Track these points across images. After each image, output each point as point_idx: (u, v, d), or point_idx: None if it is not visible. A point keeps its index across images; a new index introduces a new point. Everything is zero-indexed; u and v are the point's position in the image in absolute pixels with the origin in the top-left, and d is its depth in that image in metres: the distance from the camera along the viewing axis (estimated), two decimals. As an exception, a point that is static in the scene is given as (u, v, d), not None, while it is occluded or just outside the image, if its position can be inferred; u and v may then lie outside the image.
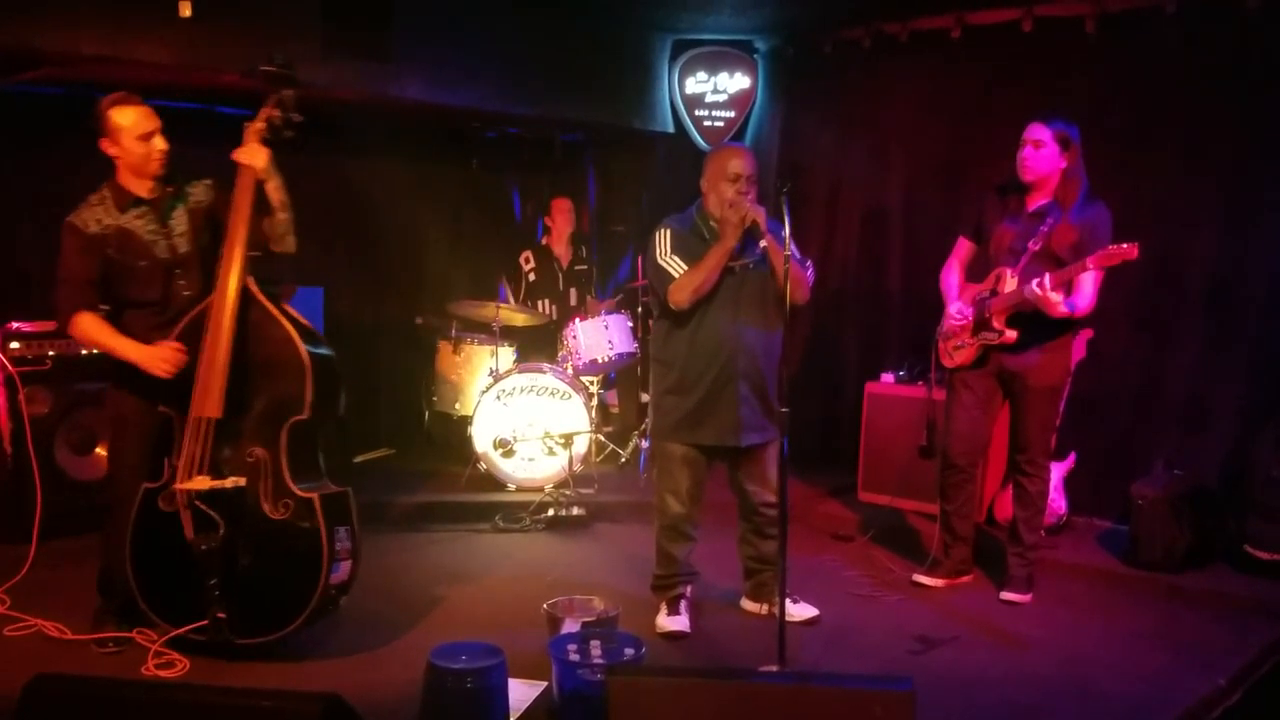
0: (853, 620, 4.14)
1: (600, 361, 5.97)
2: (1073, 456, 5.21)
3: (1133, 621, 4.20)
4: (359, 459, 6.46)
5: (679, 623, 3.95)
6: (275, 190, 3.59)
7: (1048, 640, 3.97)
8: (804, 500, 5.61)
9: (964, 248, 4.46)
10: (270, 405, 3.53)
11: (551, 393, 5.71)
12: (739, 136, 6.78)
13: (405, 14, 5.36)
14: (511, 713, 3.17)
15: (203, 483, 3.44)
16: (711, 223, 3.88)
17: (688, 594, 4.07)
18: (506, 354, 6.13)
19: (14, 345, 4.70)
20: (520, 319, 6.16)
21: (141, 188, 3.60)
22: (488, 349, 6.14)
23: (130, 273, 3.57)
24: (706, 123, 6.80)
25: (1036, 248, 4.09)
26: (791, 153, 6.64)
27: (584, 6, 6.13)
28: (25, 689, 2.48)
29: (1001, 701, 3.45)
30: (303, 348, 3.51)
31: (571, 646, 3.24)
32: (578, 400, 5.70)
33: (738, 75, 6.71)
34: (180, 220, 3.66)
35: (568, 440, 5.62)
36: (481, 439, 5.71)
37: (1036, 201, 4.17)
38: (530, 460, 5.73)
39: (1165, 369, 5.21)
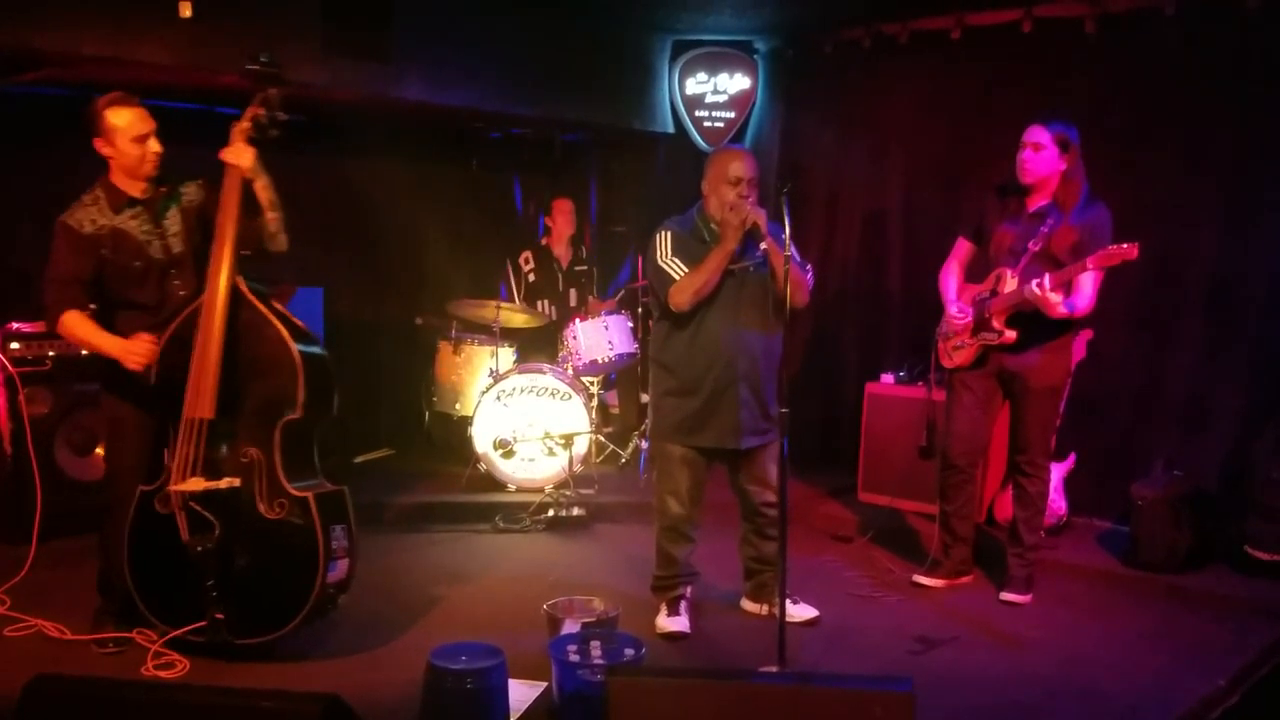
0: (853, 621, 4.14)
1: (600, 362, 5.97)
2: (1073, 457, 5.21)
3: (1132, 622, 4.20)
4: (359, 459, 6.46)
5: (679, 623, 3.96)
6: (263, 189, 3.59)
7: (1047, 641, 3.97)
8: (804, 501, 5.61)
9: (963, 248, 4.47)
10: (263, 405, 3.53)
11: (551, 393, 5.71)
12: (739, 137, 6.78)
13: (405, 14, 5.36)
14: (511, 713, 3.17)
15: (197, 484, 3.44)
16: (712, 225, 3.88)
17: (688, 595, 4.08)
18: (506, 354, 6.13)
19: (14, 345, 4.71)
20: (520, 319, 6.16)
21: (135, 188, 3.60)
22: (488, 349, 6.14)
23: (125, 273, 3.57)
24: (707, 123, 6.80)
25: (1036, 249, 4.09)
26: (791, 153, 6.64)
27: (584, 7, 6.13)
28: (25, 689, 2.48)
29: (1001, 702, 3.45)
30: (294, 347, 3.51)
31: (571, 647, 3.24)
32: (578, 401, 5.71)
33: (738, 76, 6.71)
34: (174, 220, 3.66)
35: (568, 441, 5.62)
36: (481, 439, 5.71)
37: (1036, 203, 4.17)
38: (530, 461, 5.73)
39: (1165, 369, 5.21)
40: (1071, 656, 3.82)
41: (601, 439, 6.28)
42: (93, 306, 3.59)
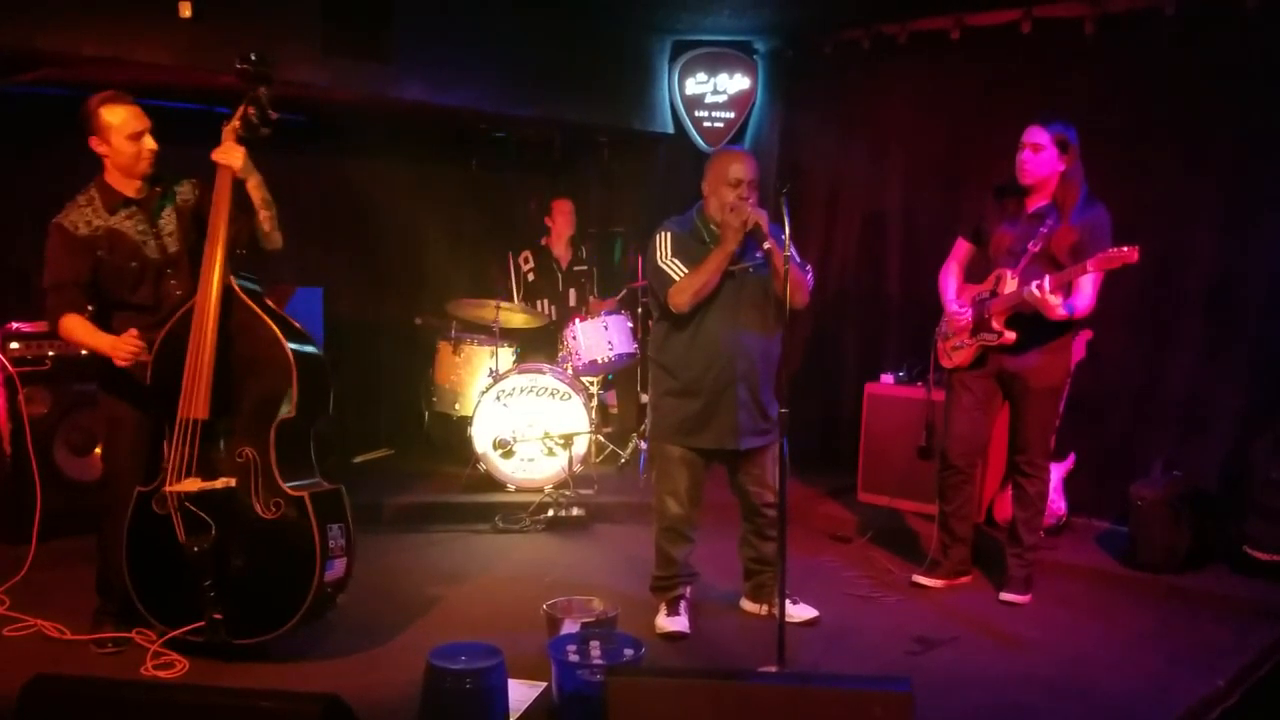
0: (852, 621, 4.14)
1: (600, 362, 5.97)
2: (1072, 457, 5.21)
3: (1132, 622, 4.20)
4: (359, 459, 6.46)
5: (678, 623, 3.96)
6: (255, 188, 3.59)
7: (1047, 641, 3.97)
8: (803, 501, 5.61)
9: (963, 249, 4.47)
10: (257, 405, 3.53)
11: (551, 393, 5.71)
12: (739, 137, 6.78)
13: (405, 14, 5.36)
14: (511, 713, 3.17)
15: (193, 484, 3.44)
16: (712, 226, 3.88)
17: (687, 595, 4.08)
18: (506, 354, 6.13)
19: (14, 345, 4.71)
20: (520, 319, 6.16)
21: (130, 187, 3.60)
22: (487, 349, 6.14)
23: (121, 274, 3.57)
24: (706, 123, 6.80)
25: (1036, 249, 4.09)
26: (791, 153, 6.64)
27: (584, 7, 6.13)
28: (25, 689, 2.48)
29: (1000, 702, 3.45)
30: (287, 346, 3.51)
31: (571, 647, 3.24)
32: (577, 401, 5.71)
33: (738, 76, 6.71)
34: (169, 220, 3.66)
35: (567, 441, 5.62)
36: (481, 439, 5.71)
37: (1035, 203, 4.17)
38: (530, 461, 5.73)
39: (1165, 369, 5.21)
40: (1071, 657, 3.82)
41: (601, 439, 6.28)
42: (90, 308, 3.58)
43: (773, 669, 3.38)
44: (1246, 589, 4.42)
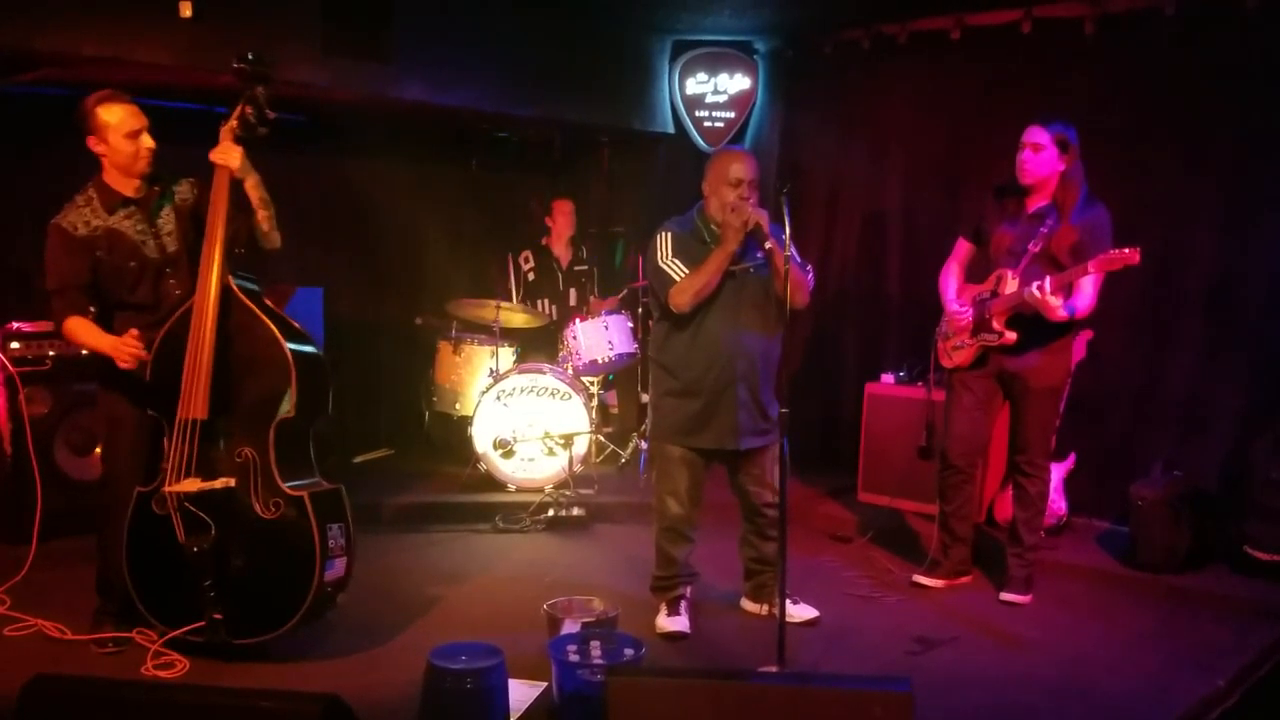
0: (852, 621, 4.14)
1: (600, 362, 5.97)
2: (1072, 457, 5.21)
3: (1132, 622, 4.20)
4: (359, 459, 6.46)
5: (679, 623, 3.96)
6: (254, 188, 3.59)
7: (1047, 641, 3.98)
8: (804, 501, 5.62)
9: (963, 249, 4.47)
10: (256, 405, 3.53)
11: (551, 393, 5.71)
12: (739, 137, 6.79)
13: (405, 14, 5.36)
14: (511, 713, 3.17)
15: (192, 485, 3.44)
16: (713, 226, 3.88)
17: (687, 595, 4.08)
18: (506, 354, 6.13)
19: (14, 345, 4.70)
20: (520, 319, 6.17)
21: (128, 187, 3.59)
22: (488, 349, 6.14)
23: (121, 274, 3.57)
24: (707, 123, 6.80)
25: (1036, 249, 4.09)
26: (791, 153, 6.64)
27: (584, 7, 6.13)
28: (25, 689, 2.48)
29: (1001, 702, 3.45)
30: (286, 346, 3.51)
31: (571, 647, 3.24)
32: (578, 401, 5.71)
33: (738, 76, 6.71)
34: (168, 219, 3.66)
35: (568, 441, 5.62)
36: (481, 439, 5.71)
37: (1036, 204, 4.17)
38: (530, 461, 5.74)
39: (1165, 370, 5.21)
40: (1071, 657, 3.82)
41: (601, 439, 6.28)
42: (93, 309, 3.58)
43: (773, 669, 3.39)
44: (1246, 589, 4.42)
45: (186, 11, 4.49)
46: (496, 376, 5.82)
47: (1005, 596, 4.37)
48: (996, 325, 4.19)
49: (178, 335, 3.50)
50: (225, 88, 3.63)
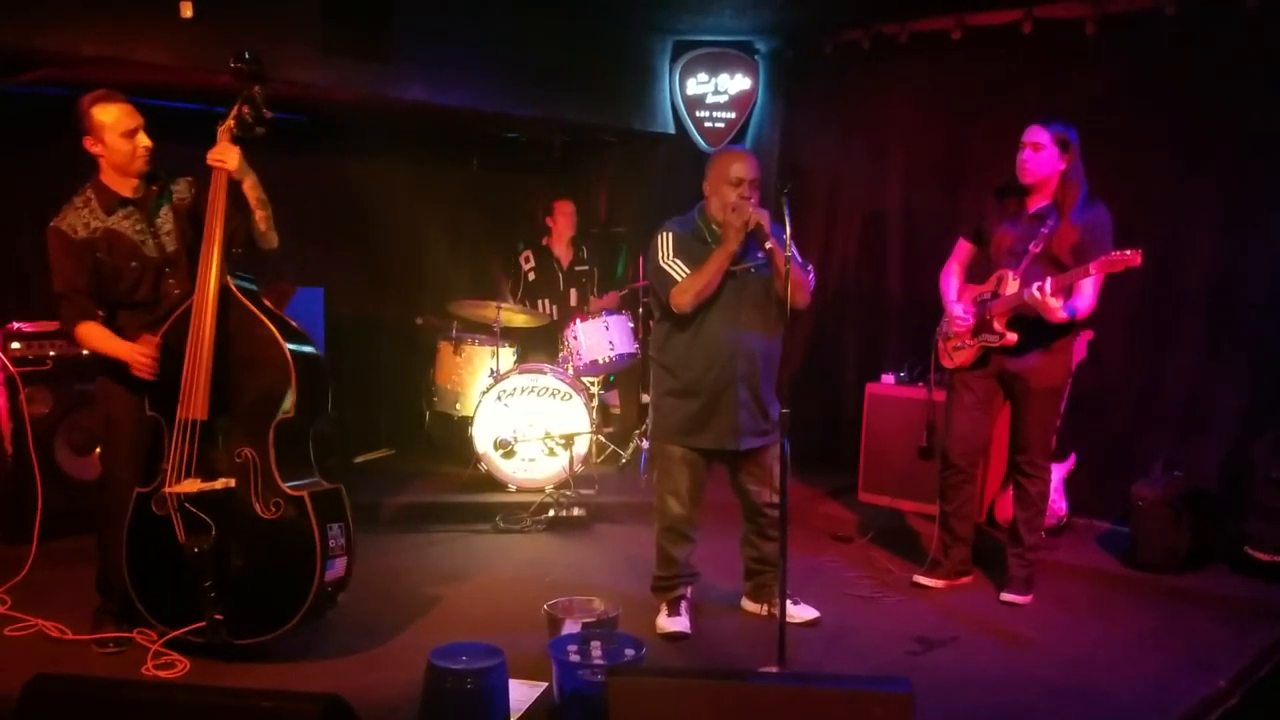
0: (852, 621, 4.14)
1: (601, 362, 5.98)
2: (1073, 457, 5.21)
3: (1132, 623, 4.20)
4: (359, 459, 6.46)
5: (679, 624, 3.96)
6: (251, 188, 3.58)
7: (1047, 641, 3.97)
8: (804, 501, 5.61)
9: (963, 249, 4.47)
10: (256, 405, 3.53)
11: (552, 393, 5.71)
12: (739, 137, 6.79)
13: (405, 14, 5.36)
14: (512, 713, 3.17)
15: (192, 485, 3.44)
16: (713, 226, 3.88)
17: (688, 595, 4.08)
18: (507, 354, 6.13)
19: (15, 345, 4.71)
20: (521, 319, 6.17)
21: (126, 187, 3.59)
22: (488, 349, 6.14)
23: (120, 274, 3.57)
24: (707, 124, 6.80)
25: (1037, 250, 4.09)
26: (792, 154, 6.64)
27: (584, 7, 6.13)
28: (25, 689, 2.48)
29: (1001, 702, 3.45)
30: (285, 346, 3.51)
31: (572, 647, 3.24)
32: (578, 401, 5.71)
33: (738, 76, 6.71)
34: (167, 219, 3.66)
35: (568, 441, 5.62)
36: (482, 439, 5.71)
37: (1036, 204, 4.17)
38: (531, 461, 5.73)
39: (1165, 370, 5.21)
40: (1072, 657, 3.82)
41: (602, 439, 6.28)
42: (101, 313, 3.58)
43: (773, 669, 3.38)
44: (1246, 589, 4.42)
45: (187, 12, 4.49)
46: (497, 377, 5.82)
47: (1006, 597, 4.37)
48: (997, 326, 4.19)
49: (177, 336, 3.50)
50: (225, 88, 3.63)
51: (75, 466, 4.84)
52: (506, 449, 5.70)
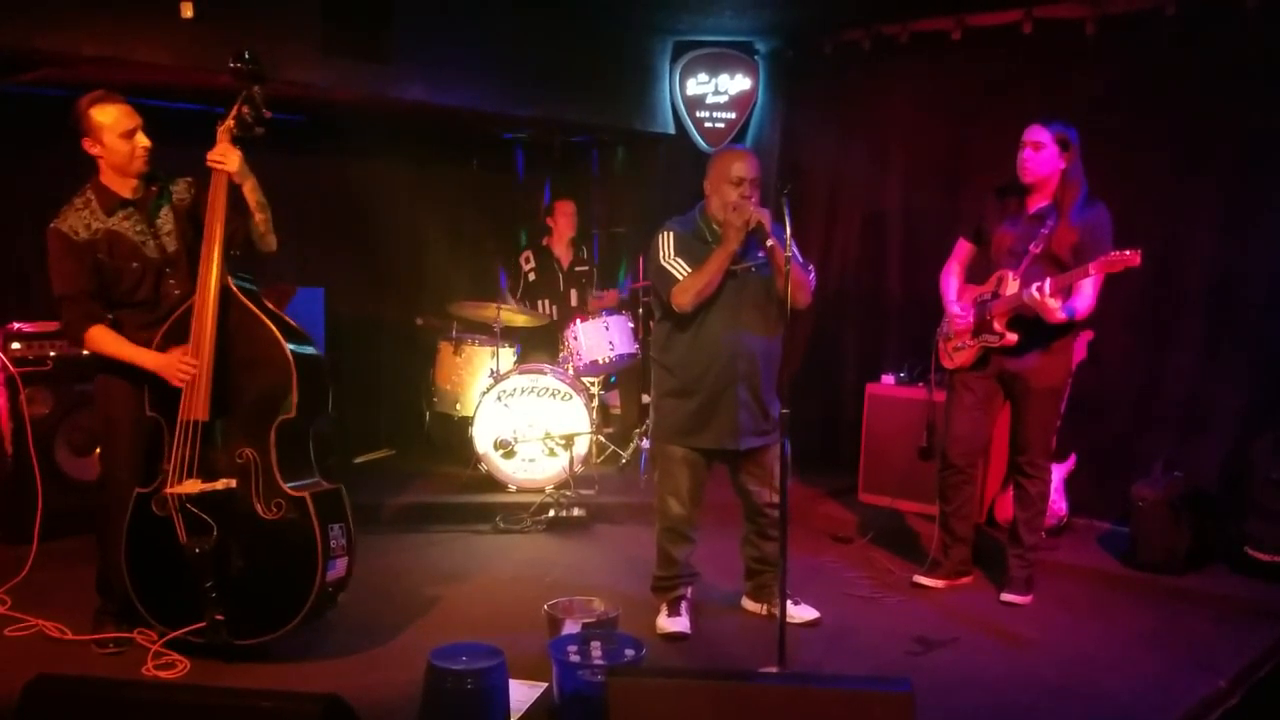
0: (853, 621, 4.14)
1: (601, 362, 5.98)
2: (1073, 458, 5.21)
3: (1133, 623, 4.20)
4: (359, 460, 6.46)
5: (679, 624, 3.96)
6: (251, 191, 3.58)
7: (1047, 641, 3.97)
8: (804, 501, 5.61)
9: (964, 249, 4.47)
10: (257, 405, 3.53)
11: (552, 393, 5.71)
12: (740, 138, 6.79)
13: (405, 14, 5.36)
14: (512, 713, 3.17)
15: (193, 486, 3.44)
16: (714, 225, 3.88)
17: (688, 595, 4.08)
18: (507, 355, 6.13)
19: (15, 346, 4.71)
20: (521, 320, 6.17)
21: (125, 187, 3.59)
22: (488, 350, 6.14)
23: (121, 274, 3.56)
24: (708, 124, 6.80)
25: (1037, 250, 4.09)
26: (792, 154, 6.64)
27: (584, 8, 6.13)
28: (25, 689, 2.48)
29: (1001, 702, 3.45)
30: (286, 346, 3.51)
31: (572, 647, 3.24)
32: (578, 401, 5.71)
33: (739, 77, 6.71)
34: (167, 219, 3.66)
35: (568, 441, 5.62)
36: (482, 440, 5.71)
37: (1036, 204, 4.17)
38: (531, 461, 5.73)
39: (1165, 370, 5.21)
40: (1072, 657, 3.82)
41: (602, 439, 6.28)
42: (110, 316, 3.58)
43: (773, 669, 3.39)
44: (1246, 589, 4.42)
45: (187, 12, 4.49)
46: (497, 377, 5.82)
47: (1006, 597, 4.37)
48: (997, 326, 4.19)
49: (178, 336, 3.50)
50: (225, 88, 3.63)
51: (75, 466, 4.84)
52: (506, 449, 5.70)
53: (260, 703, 2.47)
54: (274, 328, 3.53)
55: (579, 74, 6.30)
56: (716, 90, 6.74)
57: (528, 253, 6.56)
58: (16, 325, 4.76)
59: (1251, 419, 4.89)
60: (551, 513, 5.43)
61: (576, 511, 5.46)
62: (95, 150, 3.52)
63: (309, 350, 3.61)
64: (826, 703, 2.50)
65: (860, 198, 6.40)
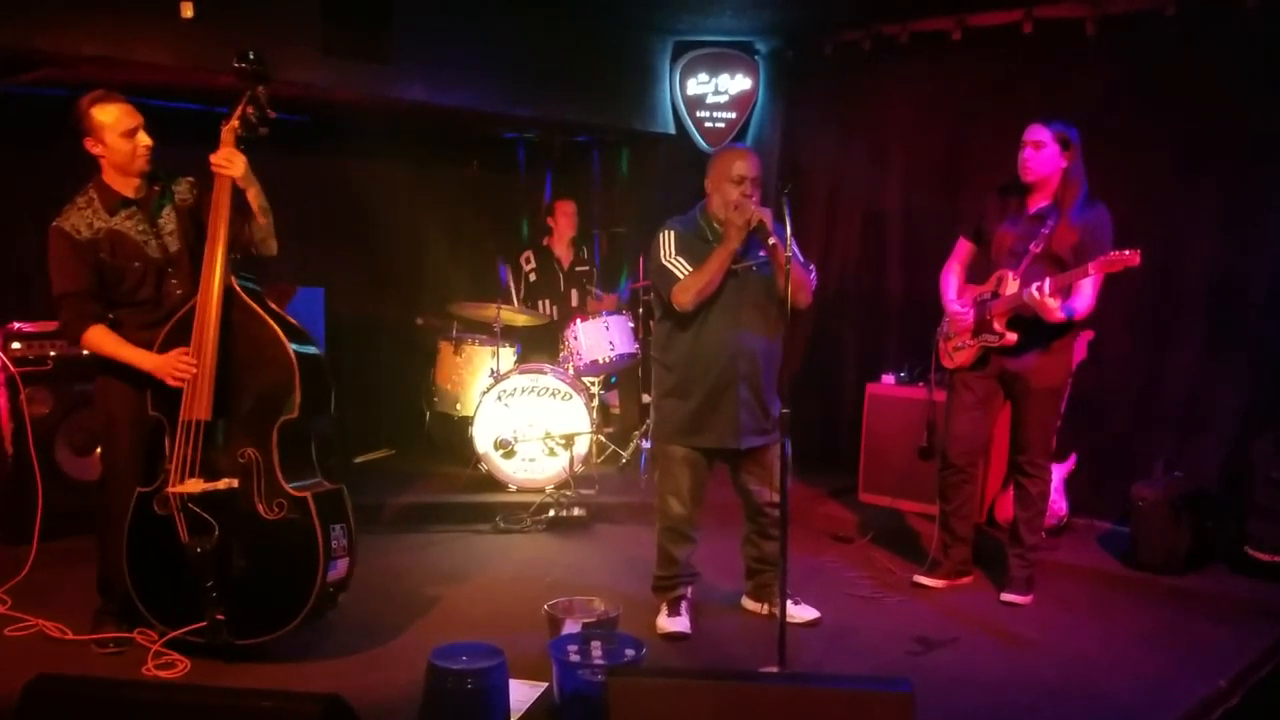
0: (853, 621, 4.14)
1: (601, 362, 5.97)
2: (1073, 458, 5.21)
3: (1133, 623, 4.20)
4: (359, 459, 6.46)
5: (679, 624, 3.96)
6: (255, 196, 3.57)
7: (1048, 642, 3.97)
8: (804, 501, 5.61)
9: (964, 249, 4.47)
10: (260, 405, 3.53)
11: (552, 393, 5.71)
12: (740, 137, 6.79)
13: (405, 14, 5.36)
14: (512, 713, 3.17)
15: (195, 485, 3.44)
16: (715, 224, 3.88)
17: (688, 595, 4.08)
18: (507, 354, 6.13)
19: (15, 345, 4.71)
20: (521, 320, 6.17)
21: (128, 187, 3.58)
22: (488, 349, 6.14)
23: (123, 274, 3.56)
24: (708, 124, 6.80)
25: (1038, 250, 4.09)
26: (792, 154, 6.64)
27: (584, 8, 6.13)
28: (25, 689, 2.48)
29: (1001, 703, 3.45)
30: (290, 347, 3.51)
31: (572, 647, 3.24)
32: (578, 401, 5.71)
33: (739, 76, 6.71)
34: (169, 219, 3.65)
35: (568, 441, 5.62)
36: (482, 440, 5.71)
37: (1037, 203, 4.17)
38: (531, 461, 5.74)
39: (1165, 370, 5.21)
40: (1072, 657, 3.82)
41: (602, 439, 6.28)
42: (110, 316, 3.58)
43: (774, 669, 3.39)
44: (1247, 589, 4.42)
45: (188, 12, 4.49)
46: (497, 377, 5.82)
47: (1006, 597, 4.37)
48: (997, 326, 4.19)
49: (181, 336, 3.50)
50: (225, 88, 3.63)
51: (75, 466, 4.84)
52: (507, 449, 5.70)
53: (260, 703, 2.46)
54: (277, 328, 3.53)
55: (579, 74, 6.30)
56: (716, 90, 6.74)
57: (528, 253, 6.56)
58: (16, 325, 4.76)
59: (1251, 419, 4.89)
60: (551, 513, 5.43)
61: (576, 511, 5.46)
62: (97, 150, 3.51)
63: (312, 350, 3.61)
64: (826, 703, 2.50)
65: (860, 198, 6.40)
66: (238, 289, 3.53)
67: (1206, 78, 5.00)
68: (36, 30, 4.26)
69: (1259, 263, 4.94)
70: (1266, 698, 3.60)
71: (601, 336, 5.97)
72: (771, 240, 3.68)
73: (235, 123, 3.52)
